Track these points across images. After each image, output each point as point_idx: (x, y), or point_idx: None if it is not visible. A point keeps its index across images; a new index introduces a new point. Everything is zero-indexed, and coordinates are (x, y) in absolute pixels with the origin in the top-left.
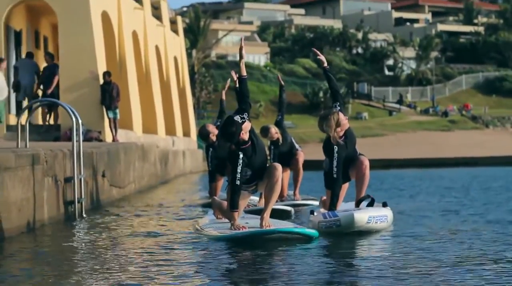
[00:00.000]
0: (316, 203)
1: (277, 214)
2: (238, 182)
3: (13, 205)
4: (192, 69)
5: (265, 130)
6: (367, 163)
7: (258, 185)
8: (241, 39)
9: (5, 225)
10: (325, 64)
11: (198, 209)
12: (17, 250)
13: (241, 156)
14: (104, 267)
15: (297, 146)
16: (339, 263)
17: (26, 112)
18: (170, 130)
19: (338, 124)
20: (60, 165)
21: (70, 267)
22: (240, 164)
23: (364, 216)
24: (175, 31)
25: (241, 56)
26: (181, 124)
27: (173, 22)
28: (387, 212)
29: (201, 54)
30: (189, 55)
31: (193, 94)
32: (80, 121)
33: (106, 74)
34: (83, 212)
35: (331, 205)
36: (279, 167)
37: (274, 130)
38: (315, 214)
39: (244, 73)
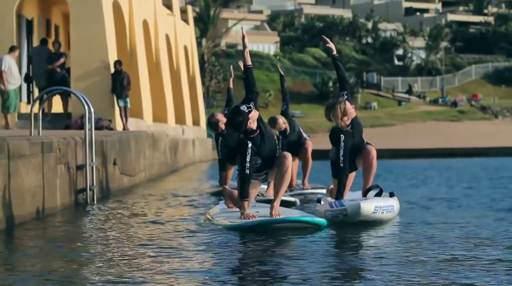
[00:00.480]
0: (325, 192)
1: (282, 205)
2: (247, 171)
3: (27, 192)
4: (202, 58)
5: (272, 121)
6: (374, 153)
7: (269, 173)
8: (242, 28)
9: (19, 211)
10: (334, 52)
11: (208, 197)
12: (30, 236)
13: (250, 145)
14: (112, 254)
15: (305, 135)
16: (347, 251)
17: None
18: (180, 119)
19: (344, 113)
20: (72, 152)
21: (79, 253)
22: (249, 153)
23: (370, 206)
24: (185, 20)
25: (244, 46)
26: (191, 113)
27: (183, 11)
28: (394, 202)
29: (211, 43)
30: (199, 44)
31: (203, 83)
32: (92, 110)
33: (117, 63)
34: (95, 199)
35: (338, 194)
36: (289, 156)
37: (282, 121)
38: (322, 202)
39: (249, 62)
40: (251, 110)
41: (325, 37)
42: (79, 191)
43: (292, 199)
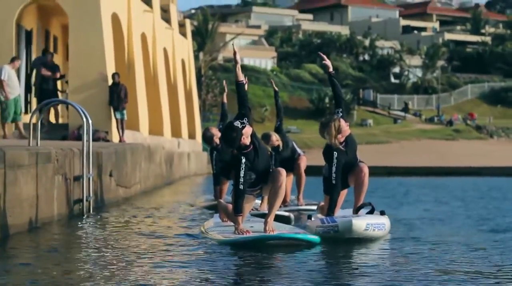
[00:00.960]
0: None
1: (276, 220)
2: (242, 186)
3: (25, 201)
4: (199, 72)
5: (266, 137)
6: (366, 170)
7: (263, 189)
8: (233, 44)
9: (17, 220)
10: (331, 69)
11: (202, 211)
12: (26, 244)
13: (243, 160)
14: (106, 264)
15: (299, 150)
16: (339, 268)
17: (37, 111)
18: (176, 132)
19: (338, 131)
20: (70, 163)
21: (74, 263)
22: (243, 168)
23: (362, 223)
24: (183, 34)
25: (236, 61)
26: (186, 127)
27: (181, 25)
28: (385, 220)
29: (208, 57)
30: (196, 57)
31: (199, 96)
32: (90, 121)
33: (115, 75)
34: (91, 210)
35: (329, 210)
36: (283, 171)
37: (275, 138)
38: (312, 219)
39: (241, 78)
40: (245, 126)
41: (321, 54)
42: (76, 201)
43: (286, 214)
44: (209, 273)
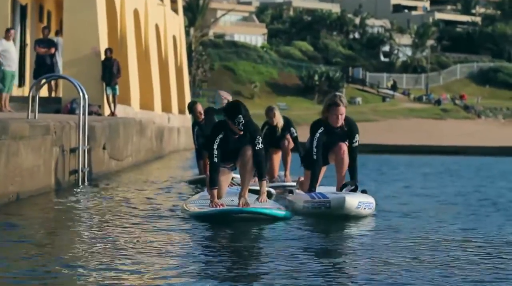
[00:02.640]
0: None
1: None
2: (215, 159)
3: (26, 171)
4: (190, 47)
5: (269, 111)
6: (345, 148)
7: (236, 163)
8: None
9: (19, 188)
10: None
11: (186, 185)
12: (28, 212)
13: (220, 136)
14: (97, 232)
15: (293, 130)
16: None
17: (37, 85)
18: (166, 107)
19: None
20: (67, 136)
21: (67, 230)
22: (217, 142)
23: (354, 201)
24: (175, 10)
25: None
26: (177, 102)
27: (173, 1)
28: (372, 200)
29: (199, 32)
30: (186, 33)
31: (190, 72)
32: (86, 96)
33: (108, 50)
34: (86, 181)
35: (311, 186)
36: (249, 147)
37: (276, 117)
38: (294, 194)
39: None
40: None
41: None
42: (72, 172)
43: (269, 189)
44: (195, 238)
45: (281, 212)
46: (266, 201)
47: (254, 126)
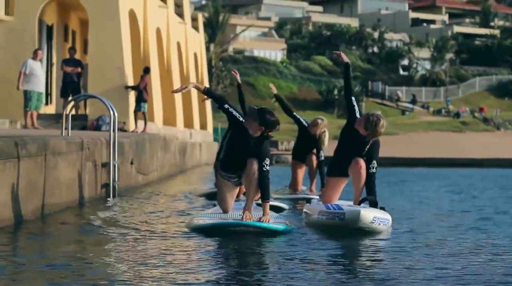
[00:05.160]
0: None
1: (271, 209)
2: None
3: (63, 184)
4: (210, 63)
5: (314, 123)
6: (362, 163)
7: (240, 178)
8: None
9: (57, 200)
10: (347, 60)
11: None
12: (65, 222)
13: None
14: (126, 243)
15: (322, 153)
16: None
17: (70, 103)
18: (188, 123)
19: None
20: (99, 151)
21: (99, 241)
22: (233, 112)
23: (370, 215)
24: (195, 28)
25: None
26: (198, 118)
27: (194, 19)
28: (389, 217)
29: (219, 48)
30: (207, 49)
31: (210, 87)
32: (116, 114)
33: (146, 69)
34: (116, 194)
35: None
36: (255, 160)
37: (319, 128)
38: (312, 203)
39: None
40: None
41: (340, 54)
42: (103, 185)
43: (281, 204)
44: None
45: (280, 226)
46: (268, 221)
47: (268, 147)
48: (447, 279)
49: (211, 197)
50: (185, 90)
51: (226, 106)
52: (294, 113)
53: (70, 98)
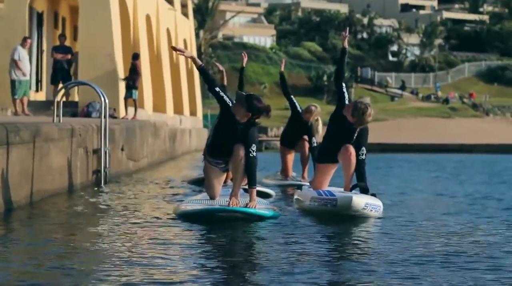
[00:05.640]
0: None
1: (258, 195)
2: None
3: (55, 170)
4: (199, 50)
5: (308, 110)
6: (352, 150)
7: (227, 164)
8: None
9: (50, 186)
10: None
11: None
12: (58, 207)
13: (225, 98)
14: (116, 229)
15: (314, 140)
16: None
17: (61, 91)
18: (178, 109)
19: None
20: (90, 138)
21: (91, 226)
22: (222, 94)
23: (362, 201)
24: (185, 14)
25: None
26: (188, 104)
27: (183, 6)
28: (380, 203)
29: (208, 35)
30: (196, 35)
31: None
32: (107, 101)
33: (135, 56)
34: (107, 180)
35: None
36: (241, 147)
37: (314, 115)
38: (302, 189)
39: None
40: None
41: (346, 33)
42: (94, 172)
43: (268, 190)
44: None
45: (267, 212)
46: (255, 207)
47: (255, 133)
48: (440, 262)
49: (199, 183)
50: (183, 54)
51: (217, 89)
52: (292, 96)
53: (60, 85)
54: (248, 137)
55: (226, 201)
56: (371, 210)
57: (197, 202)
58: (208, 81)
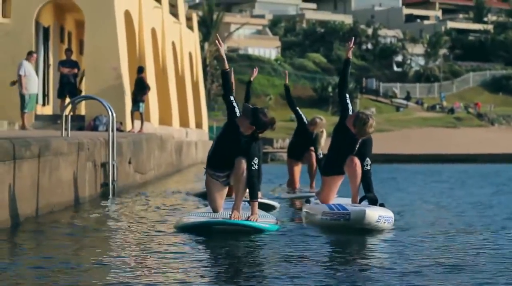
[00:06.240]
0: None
1: (263, 208)
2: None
3: (64, 183)
4: (204, 62)
5: (313, 122)
6: (357, 161)
7: (229, 176)
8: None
9: (59, 198)
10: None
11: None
12: (66, 221)
13: (235, 105)
14: (122, 240)
15: (320, 152)
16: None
17: (69, 105)
18: (184, 122)
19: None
20: (98, 151)
21: (99, 238)
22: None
23: (375, 214)
24: (190, 27)
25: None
26: (194, 117)
27: (188, 19)
28: (391, 214)
29: (213, 47)
30: (201, 47)
31: (204, 86)
32: (114, 115)
33: (140, 69)
34: (115, 193)
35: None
36: (243, 160)
37: (318, 126)
38: (311, 203)
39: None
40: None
41: (351, 43)
42: (102, 185)
43: (272, 202)
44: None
45: (267, 225)
46: (256, 220)
47: (258, 147)
48: (442, 272)
49: (204, 196)
50: (220, 49)
51: (232, 98)
52: (297, 108)
53: (67, 98)
54: (251, 151)
55: (229, 214)
56: (384, 222)
57: (200, 215)
58: (227, 88)
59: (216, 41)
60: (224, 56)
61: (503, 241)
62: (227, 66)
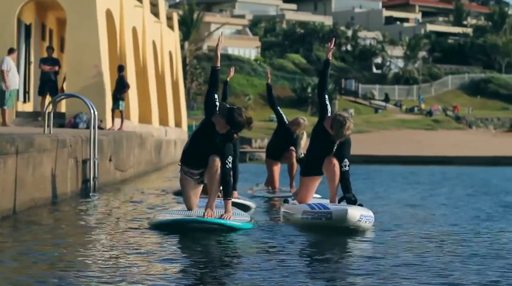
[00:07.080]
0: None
1: (240, 208)
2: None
3: (47, 179)
4: (184, 61)
5: (297, 122)
6: (335, 161)
7: (202, 175)
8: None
9: (43, 194)
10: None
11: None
12: (48, 215)
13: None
14: (102, 234)
15: (301, 151)
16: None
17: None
18: (163, 120)
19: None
20: (80, 149)
21: (79, 233)
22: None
23: (357, 213)
24: (170, 26)
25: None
26: (173, 115)
27: (169, 18)
28: (372, 214)
29: (193, 46)
30: (181, 47)
31: (184, 85)
32: (96, 113)
33: (121, 68)
34: (96, 189)
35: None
36: (217, 158)
37: (300, 127)
38: (289, 203)
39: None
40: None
41: (331, 45)
42: (84, 181)
43: (248, 202)
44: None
45: (240, 224)
46: (229, 219)
47: (231, 146)
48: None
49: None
50: (218, 47)
51: (216, 97)
52: (278, 108)
53: (47, 96)
54: (225, 150)
55: (203, 212)
56: (365, 222)
57: (175, 213)
58: (214, 85)
59: (218, 39)
60: (219, 55)
61: (479, 240)
62: (219, 64)
